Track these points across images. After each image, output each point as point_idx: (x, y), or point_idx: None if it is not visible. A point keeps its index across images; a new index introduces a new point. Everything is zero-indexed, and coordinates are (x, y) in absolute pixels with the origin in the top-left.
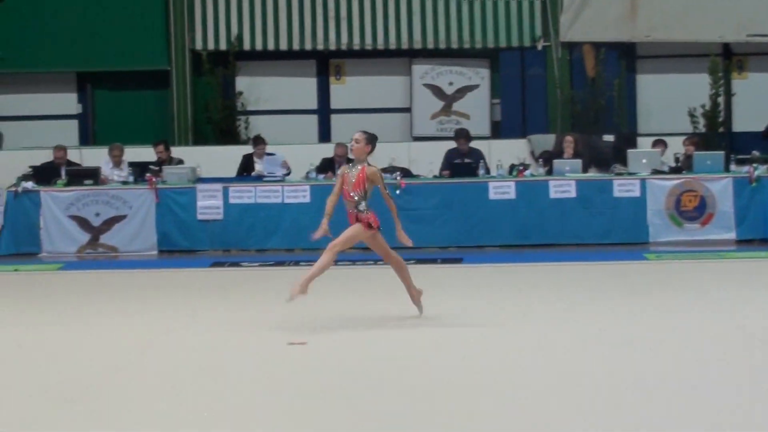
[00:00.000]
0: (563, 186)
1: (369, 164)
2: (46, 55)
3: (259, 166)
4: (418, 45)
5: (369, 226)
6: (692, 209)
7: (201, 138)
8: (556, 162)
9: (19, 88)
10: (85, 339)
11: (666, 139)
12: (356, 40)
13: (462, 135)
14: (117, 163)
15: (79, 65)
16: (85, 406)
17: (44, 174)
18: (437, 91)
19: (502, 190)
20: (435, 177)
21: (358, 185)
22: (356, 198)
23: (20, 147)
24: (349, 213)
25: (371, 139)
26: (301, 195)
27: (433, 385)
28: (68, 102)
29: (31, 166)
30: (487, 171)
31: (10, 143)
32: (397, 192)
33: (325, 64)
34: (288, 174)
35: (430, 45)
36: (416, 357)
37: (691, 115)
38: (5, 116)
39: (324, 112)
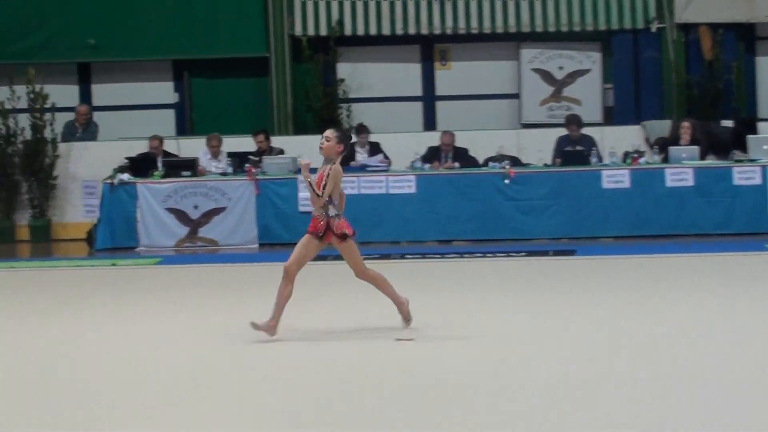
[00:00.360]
0: (680, 174)
1: (332, 165)
2: (142, 43)
3: (361, 156)
4: (526, 28)
5: (344, 236)
6: None
7: (301, 127)
8: (672, 149)
9: (114, 77)
10: (186, 333)
11: None
12: (462, 23)
13: (573, 121)
14: (215, 153)
15: (176, 53)
16: (195, 402)
17: (141, 165)
18: (546, 76)
19: (616, 178)
20: (545, 166)
21: (318, 186)
22: (323, 202)
23: (116, 138)
24: (314, 217)
25: (342, 139)
26: (406, 185)
27: (566, 381)
28: (165, 91)
29: (127, 158)
30: (600, 159)
31: (106, 134)
32: (506, 182)
33: (430, 48)
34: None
35: (539, 28)
36: (544, 354)
37: None
38: (100, 106)
39: (429, 99)
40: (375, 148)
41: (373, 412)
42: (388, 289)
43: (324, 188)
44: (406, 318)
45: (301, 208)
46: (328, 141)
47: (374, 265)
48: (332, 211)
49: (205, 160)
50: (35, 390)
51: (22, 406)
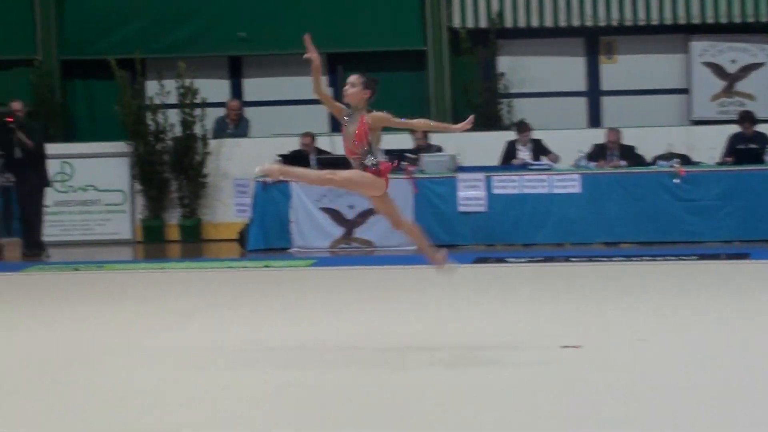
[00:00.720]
0: None
1: (369, 111)
2: (295, 36)
3: (523, 154)
4: (696, 20)
5: (378, 173)
6: None
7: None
8: None
9: (266, 71)
10: (342, 337)
11: None
12: (628, 15)
13: (747, 118)
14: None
15: (330, 46)
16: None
17: (293, 163)
18: (718, 70)
19: None
20: (717, 164)
21: (360, 139)
22: (360, 153)
23: (268, 134)
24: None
25: (369, 83)
26: (570, 185)
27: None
28: None
29: (279, 155)
30: None
31: (257, 130)
32: (675, 181)
33: (595, 41)
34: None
35: (710, 19)
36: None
37: None
38: (252, 101)
39: (594, 94)
40: (537, 146)
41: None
42: (419, 240)
43: (369, 140)
44: (438, 263)
45: (461, 208)
46: (353, 87)
47: (537, 269)
48: (370, 160)
49: None
50: (210, 391)
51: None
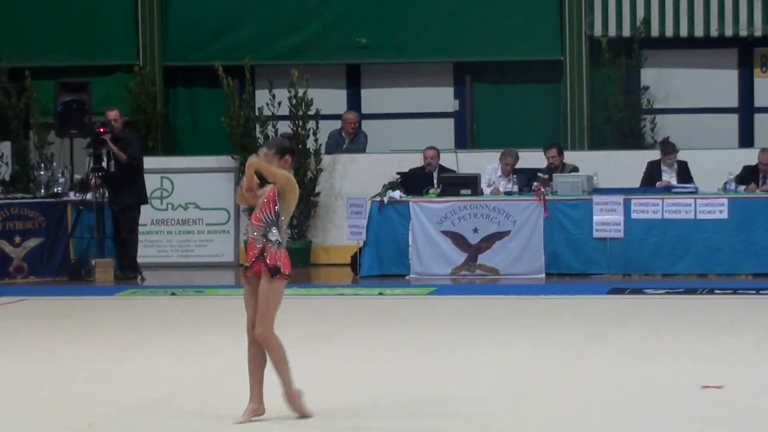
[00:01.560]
0: None
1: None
2: (419, 43)
3: (667, 176)
4: None
5: (275, 271)
6: None
7: (599, 141)
8: None
9: (386, 81)
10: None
11: None
12: None
13: None
14: (507, 172)
15: (457, 55)
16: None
17: (414, 182)
18: None
19: None
20: None
21: (267, 204)
22: (265, 222)
23: (387, 150)
24: (250, 241)
25: (283, 149)
26: (717, 210)
27: None
28: (443, 97)
29: (398, 173)
30: None
31: (376, 145)
32: None
33: (750, 53)
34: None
35: None
36: None
37: None
38: (371, 114)
39: (746, 110)
40: (683, 169)
41: None
42: (284, 370)
43: (276, 209)
44: (298, 411)
45: (597, 234)
46: (266, 157)
47: (677, 301)
48: (274, 236)
49: (494, 177)
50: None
51: None
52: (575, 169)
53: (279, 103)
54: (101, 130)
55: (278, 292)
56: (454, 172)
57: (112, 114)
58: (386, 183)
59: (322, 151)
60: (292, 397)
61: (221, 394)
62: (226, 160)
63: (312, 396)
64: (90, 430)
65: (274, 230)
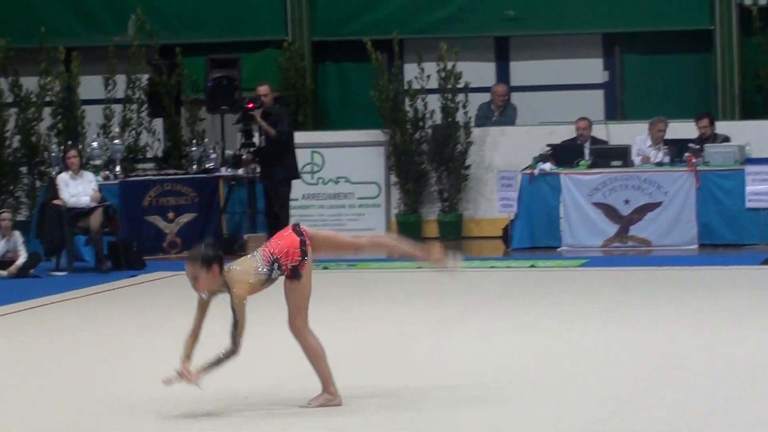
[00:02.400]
0: None
1: (228, 284)
2: (568, 14)
3: None
4: None
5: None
6: None
7: (750, 110)
8: None
9: (536, 53)
10: (617, 345)
11: None
12: None
13: None
14: (659, 139)
15: (606, 26)
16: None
17: (565, 154)
18: None
19: None
20: None
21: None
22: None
23: (537, 122)
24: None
25: (206, 259)
26: None
27: None
28: (593, 68)
29: (549, 145)
30: None
31: (526, 117)
32: None
33: None
34: None
35: None
36: None
37: None
38: (520, 86)
39: None
40: None
41: None
42: (320, 366)
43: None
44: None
45: (750, 204)
46: (195, 280)
47: None
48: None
49: (644, 147)
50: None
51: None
52: (727, 139)
53: (428, 77)
54: (250, 105)
55: (297, 290)
56: (606, 143)
57: (263, 89)
58: (537, 155)
59: (472, 123)
60: (323, 395)
61: (375, 366)
62: (376, 134)
63: (468, 368)
64: (246, 402)
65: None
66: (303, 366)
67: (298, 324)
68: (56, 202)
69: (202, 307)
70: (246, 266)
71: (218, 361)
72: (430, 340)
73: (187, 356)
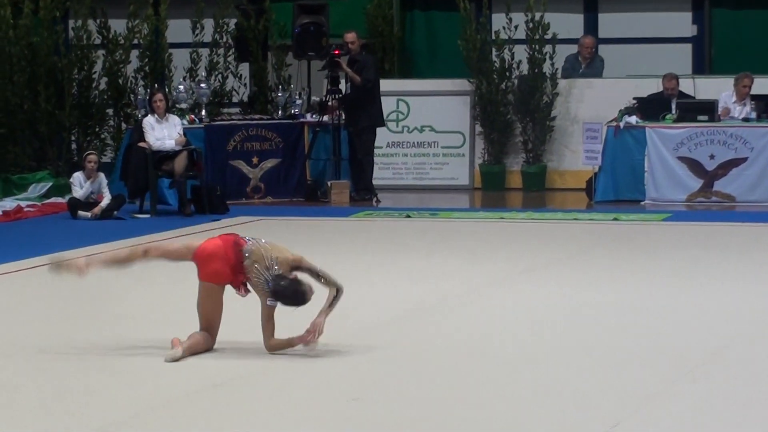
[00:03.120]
0: None
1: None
2: None
3: None
4: None
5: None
6: None
7: None
8: None
9: (624, 5)
10: (701, 302)
11: None
12: None
13: None
14: (744, 95)
15: None
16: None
17: (651, 107)
18: None
19: None
20: None
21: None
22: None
23: (623, 75)
24: None
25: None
26: None
27: None
28: (681, 22)
29: (635, 98)
30: None
31: (613, 70)
32: None
33: None
34: None
35: None
36: None
37: None
38: (607, 38)
39: None
40: None
41: None
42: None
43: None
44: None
45: None
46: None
47: None
48: None
49: (729, 104)
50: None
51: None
52: None
53: (515, 27)
54: (336, 52)
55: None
56: (692, 97)
57: (350, 36)
58: (623, 108)
59: (559, 75)
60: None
61: (452, 317)
62: (461, 84)
63: (548, 319)
64: (325, 349)
65: None
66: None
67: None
68: (141, 144)
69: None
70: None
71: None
72: (507, 291)
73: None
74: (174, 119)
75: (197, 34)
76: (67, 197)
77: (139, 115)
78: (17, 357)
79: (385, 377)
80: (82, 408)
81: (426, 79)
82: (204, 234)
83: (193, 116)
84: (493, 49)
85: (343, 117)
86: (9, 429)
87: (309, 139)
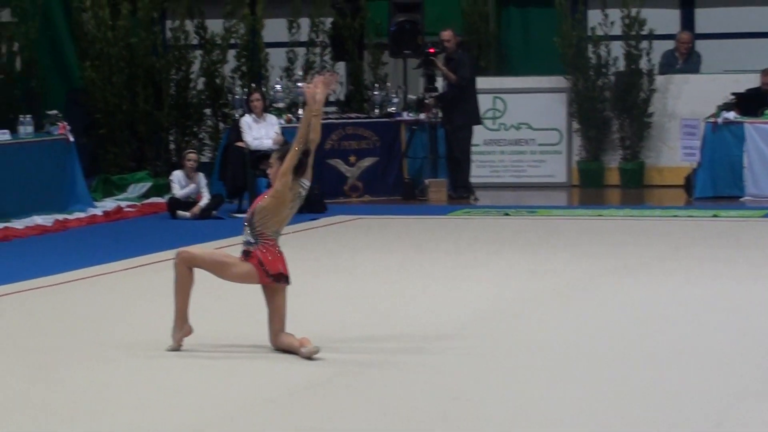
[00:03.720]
0: None
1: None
2: None
3: None
4: None
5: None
6: None
7: None
8: None
9: (721, 0)
10: None
11: None
12: None
13: None
14: None
15: None
16: None
17: (749, 103)
18: None
19: None
20: None
21: (252, 207)
22: (248, 223)
23: (721, 70)
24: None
25: (282, 154)
26: None
27: None
28: None
29: (733, 93)
30: None
31: (710, 66)
32: None
33: None
34: None
35: None
36: None
37: None
38: (704, 34)
39: None
40: None
41: None
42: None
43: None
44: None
45: None
46: (271, 168)
47: None
48: (248, 236)
49: None
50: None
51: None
52: None
53: (612, 23)
54: (431, 50)
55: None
56: None
57: (446, 34)
58: (720, 104)
59: (655, 71)
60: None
61: (549, 315)
62: (558, 81)
63: (648, 317)
64: (425, 347)
65: (248, 232)
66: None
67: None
68: (239, 144)
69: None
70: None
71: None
72: (606, 288)
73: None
74: (271, 119)
75: (293, 33)
76: (167, 197)
77: (237, 115)
78: (123, 355)
79: (484, 375)
80: (180, 405)
81: (522, 77)
82: (301, 234)
83: (290, 115)
84: (590, 46)
85: (440, 115)
86: (114, 424)
87: (406, 137)
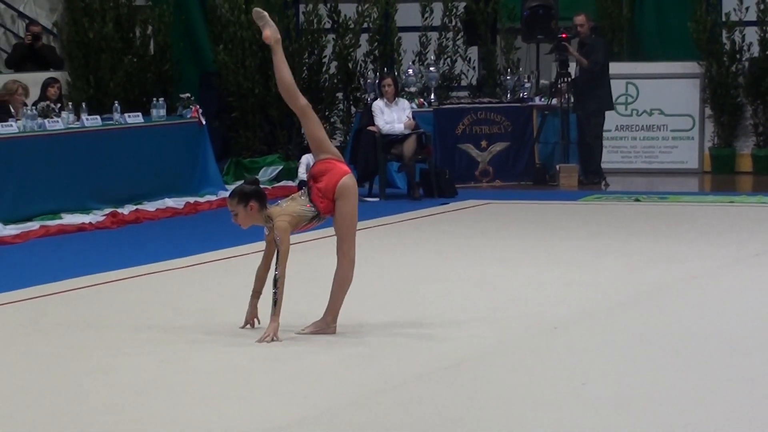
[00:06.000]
0: None
1: (271, 217)
2: None
3: None
4: None
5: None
6: None
7: None
8: None
9: None
10: None
11: None
12: None
13: None
14: None
15: None
16: None
17: None
18: None
19: None
20: None
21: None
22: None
23: None
24: None
25: (243, 197)
26: None
27: None
28: None
29: None
30: None
31: None
32: None
33: None
34: None
35: None
36: None
37: None
38: None
39: None
40: None
41: None
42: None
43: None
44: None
45: None
46: (236, 216)
47: None
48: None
49: None
50: None
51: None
52: None
53: (746, 9)
54: (563, 35)
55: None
56: None
57: (579, 19)
58: None
59: None
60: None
61: (680, 301)
62: (691, 66)
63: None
64: (555, 332)
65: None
66: None
67: (344, 248)
68: (371, 128)
69: (268, 243)
70: (289, 204)
71: (275, 297)
72: (737, 276)
73: (256, 292)
74: (403, 103)
75: (426, 18)
76: (297, 181)
77: (369, 99)
78: (247, 340)
79: (614, 361)
80: (311, 390)
81: (655, 62)
82: (432, 218)
83: (422, 100)
84: (724, 31)
85: (572, 100)
86: (242, 409)
87: (537, 122)
